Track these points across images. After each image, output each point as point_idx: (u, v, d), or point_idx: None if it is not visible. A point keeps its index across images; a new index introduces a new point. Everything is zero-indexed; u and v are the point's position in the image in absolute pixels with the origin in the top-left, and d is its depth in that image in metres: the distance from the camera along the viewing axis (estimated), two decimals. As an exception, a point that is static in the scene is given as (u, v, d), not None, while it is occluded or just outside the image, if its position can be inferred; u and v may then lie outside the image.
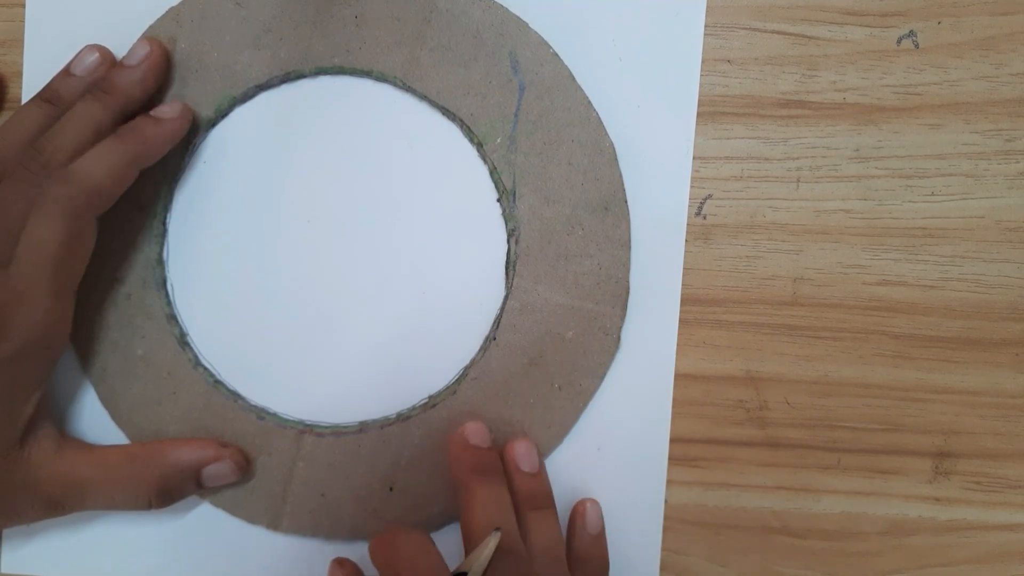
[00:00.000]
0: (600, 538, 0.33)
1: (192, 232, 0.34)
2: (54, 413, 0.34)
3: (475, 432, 0.32)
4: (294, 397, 0.34)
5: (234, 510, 0.34)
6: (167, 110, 0.32)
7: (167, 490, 0.32)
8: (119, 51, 0.33)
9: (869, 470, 0.34)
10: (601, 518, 0.33)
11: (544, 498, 0.32)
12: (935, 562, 0.34)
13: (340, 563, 0.32)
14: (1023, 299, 0.33)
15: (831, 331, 0.33)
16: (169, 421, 0.34)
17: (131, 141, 0.31)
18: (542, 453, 0.33)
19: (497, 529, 0.29)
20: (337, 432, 0.34)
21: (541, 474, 0.33)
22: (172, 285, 0.34)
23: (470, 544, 0.30)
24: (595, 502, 0.33)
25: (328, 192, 0.34)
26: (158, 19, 0.33)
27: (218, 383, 0.34)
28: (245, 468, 0.33)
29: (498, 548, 0.29)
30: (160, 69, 0.32)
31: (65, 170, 0.29)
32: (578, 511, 0.33)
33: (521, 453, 0.33)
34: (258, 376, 0.34)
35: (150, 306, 0.34)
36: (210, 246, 0.34)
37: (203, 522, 0.34)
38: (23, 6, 0.34)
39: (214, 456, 0.33)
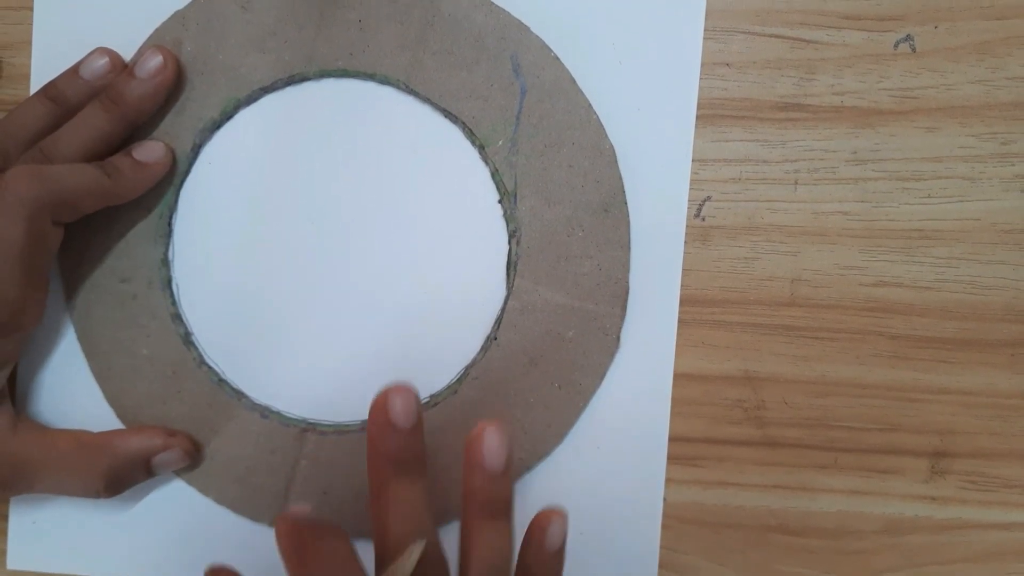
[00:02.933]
0: (558, 557, 0.28)
1: (197, 233, 0.34)
2: (44, 397, 0.34)
3: (399, 408, 0.26)
4: (297, 396, 0.34)
5: (238, 508, 0.34)
6: (151, 153, 0.33)
7: (116, 479, 0.33)
8: (126, 53, 0.33)
9: (866, 469, 0.34)
10: (564, 534, 0.28)
11: (502, 506, 0.27)
12: (931, 561, 0.34)
13: (397, 387, 0.26)
14: (1018, 300, 0.33)
15: (828, 332, 0.33)
16: (173, 419, 0.34)
17: (113, 178, 0.31)
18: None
19: (420, 540, 0.25)
20: (340, 431, 0.34)
21: (506, 476, 0.27)
22: (177, 285, 0.34)
23: (383, 552, 0.26)
24: (562, 515, 0.28)
25: (331, 193, 0.34)
26: (164, 22, 0.34)
27: (222, 381, 0.34)
28: (193, 454, 0.34)
29: (420, 561, 0.25)
30: (172, 84, 0.33)
31: (40, 168, 0.30)
32: (538, 524, 0.28)
33: (489, 447, 0.27)
34: (261, 375, 0.34)
35: (155, 306, 0.34)
36: (214, 247, 0.34)
37: (207, 520, 0.35)
38: (31, 9, 0.34)
39: (162, 445, 0.33)
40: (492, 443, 0.27)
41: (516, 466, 0.34)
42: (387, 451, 0.26)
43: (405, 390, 0.26)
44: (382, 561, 0.26)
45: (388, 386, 0.26)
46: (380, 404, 0.26)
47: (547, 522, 0.28)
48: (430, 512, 0.27)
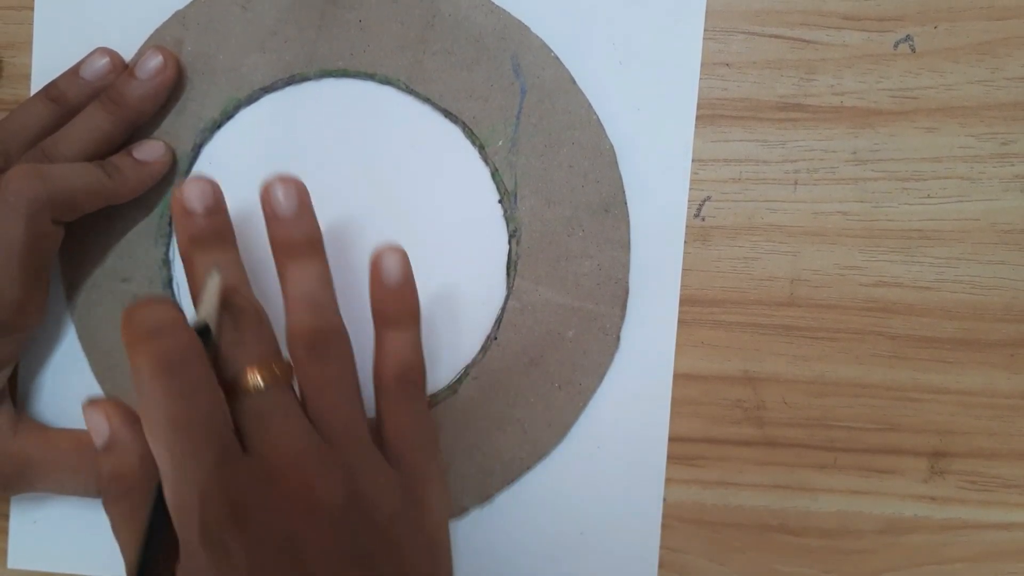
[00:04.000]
0: (404, 289, 0.29)
1: (197, 232, 0.34)
2: (43, 395, 0.34)
3: (193, 193, 0.29)
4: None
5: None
6: (151, 152, 0.33)
7: None
8: (126, 53, 0.33)
9: (865, 469, 0.34)
10: (402, 267, 0.29)
11: (305, 244, 0.29)
12: (930, 560, 0.34)
13: (94, 404, 0.28)
14: (1018, 301, 0.33)
15: (828, 332, 0.34)
16: (174, 419, 0.34)
17: (113, 177, 0.32)
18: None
19: (215, 271, 0.27)
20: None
21: (303, 216, 0.30)
22: (178, 285, 0.35)
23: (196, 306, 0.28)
24: (395, 249, 0.29)
25: (331, 193, 0.34)
26: (165, 22, 0.34)
27: (223, 381, 0.34)
28: None
29: (226, 303, 0.27)
30: (172, 84, 0.33)
31: (40, 167, 0.30)
32: (373, 261, 0.29)
33: (278, 196, 0.29)
34: (262, 375, 0.34)
35: (156, 305, 0.34)
36: (215, 246, 0.34)
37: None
38: (32, 8, 0.34)
39: None
40: (280, 191, 0.29)
41: (516, 466, 0.34)
42: (186, 232, 0.29)
43: (199, 180, 0.29)
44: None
45: (185, 181, 0.29)
46: (175, 195, 0.29)
47: (379, 257, 0.29)
48: (239, 272, 0.29)
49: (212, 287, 0.27)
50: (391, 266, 0.29)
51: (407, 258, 0.29)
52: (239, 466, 0.25)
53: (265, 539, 0.24)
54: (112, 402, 0.28)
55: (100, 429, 0.28)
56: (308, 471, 0.26)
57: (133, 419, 0.28)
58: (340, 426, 0.27)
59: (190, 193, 0.29)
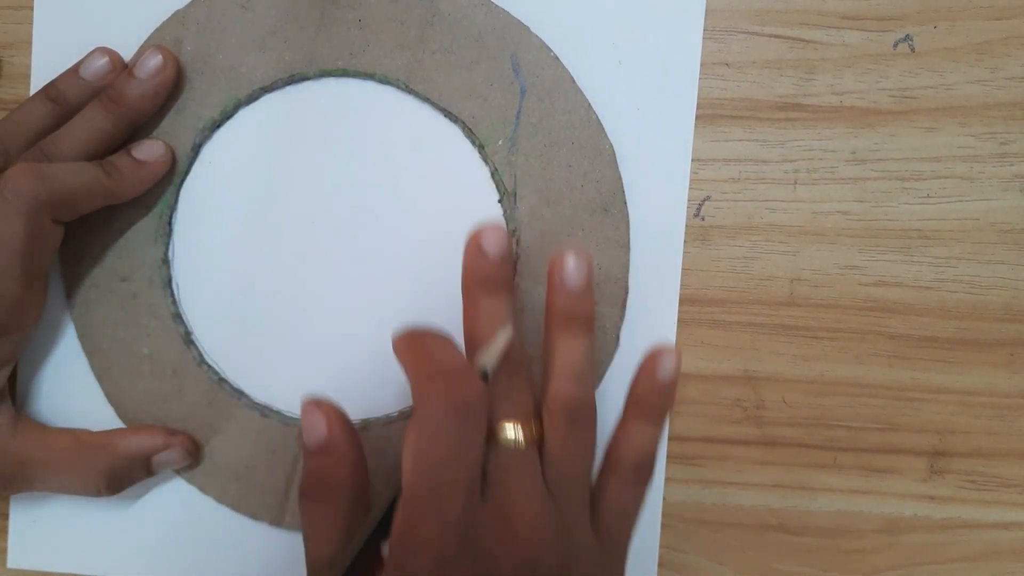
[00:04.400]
0: (669, 388, 0.30)
1: (197, 232, 0.34)
2: (45, 395, 0.34)
3: (491, 239, 0.30)
4: (297, 395, 0.34)
5: (238, 506, 0.34)
6: (150, 152, 0.33)
7: (116, 478, 0.33)
8: (126, 53, 0.33)
9: (865, 469, 0.34)
10: (676, 368, 0.30)
11: (582, 320, 0.30)
12: (930, 560, 0.34)
13: (316, 404, 0.30)
14: (1017, 300, 0.33)
15: (828, 331, 0.34)
16: (174, 418, 0.34)
17: (112, 177, 0.32)
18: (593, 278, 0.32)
19: (508, 326, 0.28)
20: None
21: (587, 293, 0.30)
22: (177, 284, 0.35)
23: (474, 350, 0.29)
24: (675, 352, 0.30)
25: (331, 193, 0.34)
26: (164, 21, 0.34)
27: (222, 381, 0.34)
28: (194, 453, 0.34)
29: (508, 357, 0.28)
30: (172, 84, 0.33)
31: (40, 167, 0.30)
32: (652, 355, 0.30)
33: (569, 269, 0.30)
34: (261, 374, 0.34)
35: (156, 305, 0.34)
36: (214, 246, 0.34)
37: (207, 518, 0.35)
38: (31, 8, 0.34)
39: (162, 444, 0.33)
40: (570, 265, 0.30)
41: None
42: (478, 273, 0.30)
43: (497, 227, 0.30)
44: (472, 359, 0.29)
45: (481, 223, 0.30)
46: (474, 237, 0.30)
47: (660, 353, 0.30)
48: (517, 325, 0.30)
49: (502, 339, 0.28)
50: (668, 363, 0.30)
51: (680, 356, 0.31)
52: (479, 512, 0.26)
53: None
54: (333, 406, 0.29)
55: (318, 429, 0.29)
56: (536, 534, 0.27)
57: (351, 428, 0.29)
58: (572, 500, 0.29)
59: (488, 237, 0.30)
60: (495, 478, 0.27)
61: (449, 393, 0.26)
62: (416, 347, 0.27)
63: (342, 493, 0.28)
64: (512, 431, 0.28)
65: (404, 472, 0.26)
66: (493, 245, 0.30)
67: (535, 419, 0.29)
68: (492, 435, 0.28)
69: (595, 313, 0.31)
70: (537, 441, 0.28)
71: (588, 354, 0.30)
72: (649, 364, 0.30)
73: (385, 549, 0.27)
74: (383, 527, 0.27)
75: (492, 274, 0.30)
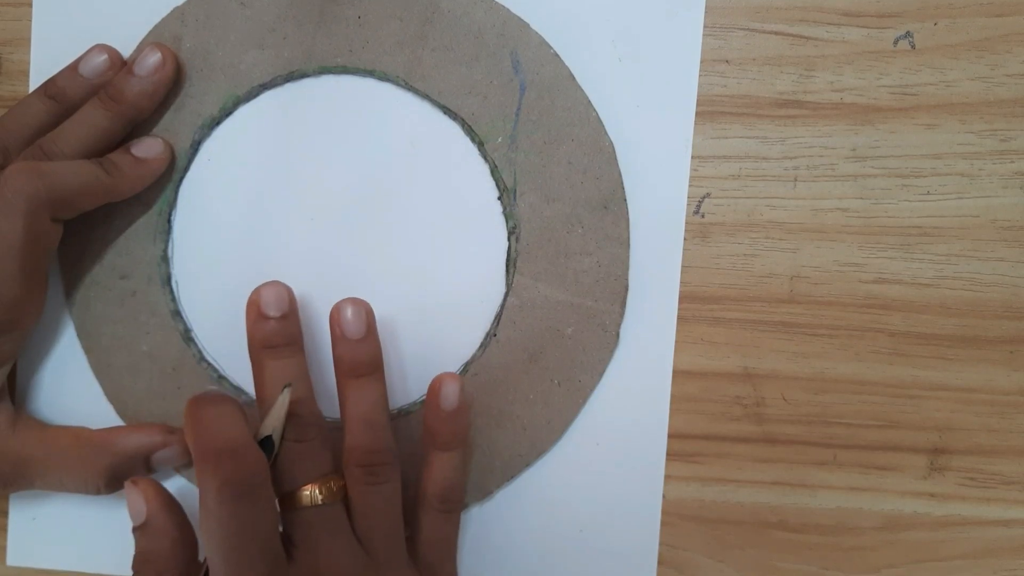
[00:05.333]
0: (457, 415, 0.31)
1: (196, 229, 0.34)
2: (45, 394, 0.34)
3: (269, 298, 0.31)
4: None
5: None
6: (149, 149, 0.33)
7: (116, 476, 0.33)
8: (124, 50, 0.33)
9: (865, 466, 0.34)
10: (458, 394, 0.31)
11: (368, 365, 0.31)
12: (929, 557, 0.34)
13: (134, 483, 0.30)
14: (1017, 297, 0.33)
15: (827, 328, 0.34)
16: (174, 416, 0.34)
17: (112, 175, 0.32)
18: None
19: (287, 385, 0.29)
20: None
21: (368, 339, 0.31)
22: (177, 282, 0.35)
23: (264, 414, 0.30)
24: (455, 378, 0.31)
25: (331, 190, 0.34)
26: (164, 18, 0.34)
27: (222, 378, 0.34)
28: None
29: (291, 414, 0.29)
30: (171, 81, 0.33)
31: (39, 165, 0.30)
32: (432, 387, 0.31)
33: (347, 318, 0.31)
34: (261, 372, 0.34)
35: (155, 302, 0.34)
36: (214, 243, 0.34)
37: (207, 516, 0.35)
38: (30, 5, 0.34)
39: (162, 442, 0.33)
40: (348, 314, 0.31)
41: (515, 462, 0.34)
42: (260, 336, 0.31)
43: (274, 284, 0.31)
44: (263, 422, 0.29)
45: (262, 285, 0.31)
46: (252, 300, 0.31)
47: (439, 384, 0.31)
48: (307, 382, 0.31)
49: (282, 402, 0.29)
50: (449, 393, 0.31)
51: (463, 385, 0.32)
52: (291, 573, 0.27)
53: None
54: (152, 484, 0.30)
55: (138, 509, 0.30)
56: None
57: (170, 503, 0.30)
58: (384, 546, 0.30)
59: (267, 298, 0.31)
60: (300, 540, 0.28)
61: (223, 474, 0.26)
62: (195, 421, 0.28)
63: (169, 568, 0.29)
64: (310, 494, 0.29)
65: (205, 548, 0.27)
66: (273, 306, 0.31)
67: (335, 475, 0.30)
68: (293, 500, 0.29)
69: (381, 359, 0.32)
70: (340, 495, 0.29)
71: (378, 400, 0.31)
72: (432, 396, 0.31)
73: None
74: None
75: (274, 335, 0.31)
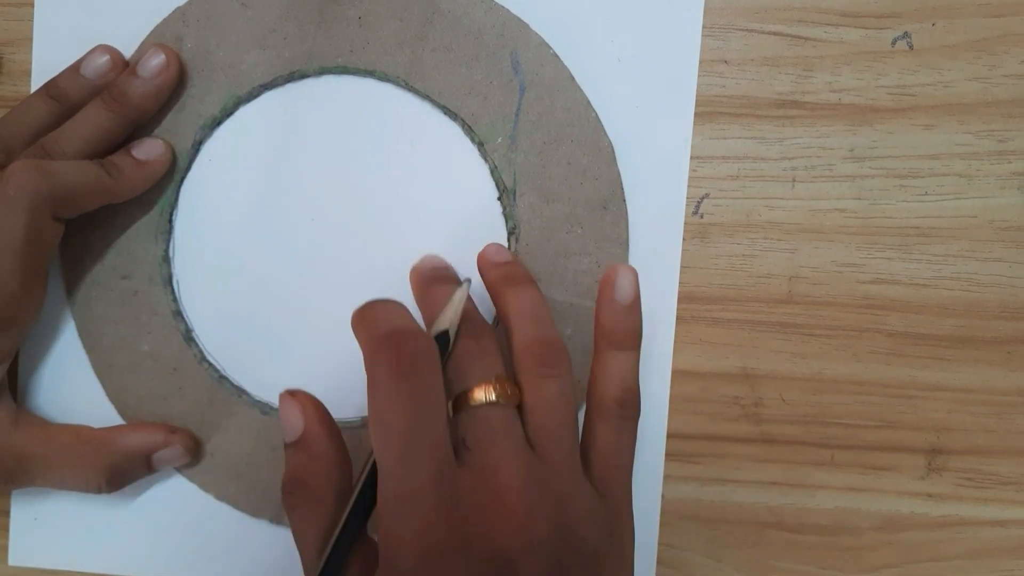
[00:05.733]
0: (634, 309, 0.29)
1: (197, 229, 0.34)
2: (48, 391, 0.34)
3: (428, 264, 0.32)
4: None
5: (238, 504, 0.34)
6: (150, 151, 0.33)
7: (117, 475, 0.33)
8: (126, 50, 0.33)
9: (862, 466, 0.34)
10: (635, 286, 0.29)
11: (521, 276, 0.30)
12: (927, 557, 0.34)
13: (292, 395, 0.28)
14: (1015, 298, 0.33)
15: (825, 329, 0.34)
16: (175, 416, 0.34)
17: (113, 176, 0.32)
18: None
19: (466, 280, 0.28)
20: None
21: (515, 260, 0.31)
22: (178, 282, 0.35)
23: (429, 319, 0.29)
24: (629, 269, 0.29)
25: (331, 190, 0.34)
26: (165, 19, 0.34)
27: (223, 378, 0.34)
28: (194, 451, 0.34)
29: (466, 314, 0.27)
30: (174, 83, 0.33)
31: (41, 163, 0.30)
32: (606, 280, 0.29)
33: (491, 250, 0.31)
34: (262, 372, 0.35)
35: (156, 302, 0.34)
36: (215, 243, 0.34)
37: (208, 515, 0.35)
38: (31, 5, 0.34)
39: (163, 442, 0.33)
40: (623, 281, 0.29)
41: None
42: (424, 272, 0.31)
43: (431, 258, 0.32)
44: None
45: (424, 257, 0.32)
46: (416, 266, 0.32)
47: (613, 275, 0.29)
48: (472, 303, 0.29)
49: (458, 298, 0.27)
50: (625, 285, 0.29)
51: (638, 279, 0.29)
52: (458, 479, 0.25)
53: (480, 558, 0.24)
54: (309, 397, 0.28)
55: (293, 423, 0.28)
56: (525, 496, 0.25)
57: (329, 421, 0.28)
58: (557, 447, 0.27)
59: (427, 263, 0.32)
60: (472, 441, 0.26)
61: (397, 354, 0.25)
62: (366, 317, 0.26)
63: (324, 491, 0.27)
64: (483, 393, 0.27)
65: (372, 441, 0.25)
66: (431, 266, 0.32)
67: (509, 382, 0.27)
68: (465, 400, 0.27)
69: (528, 272, 0.31)
70: (514, 399, 0.27)
71: (540, 299, 0.29)
72: (606, 290, 0.29)
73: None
74: (367, 506, 0.26)
75: (439, 270, 0.31)
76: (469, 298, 0.29)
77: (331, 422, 0.28)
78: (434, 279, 0.31)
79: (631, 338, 0.29)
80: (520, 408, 0.27)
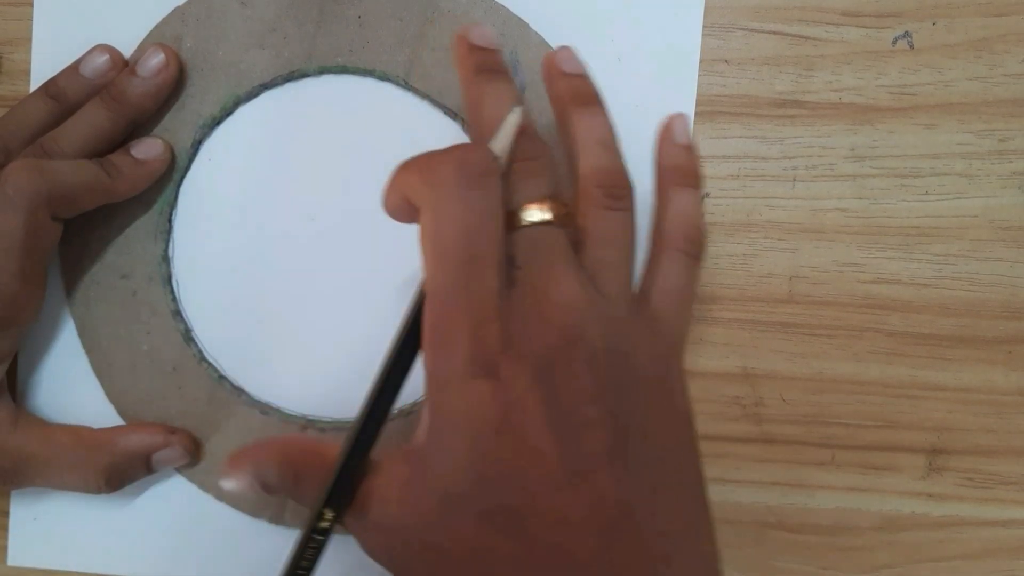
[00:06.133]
0: (690, 150, 0.30)
1: (197, 229, 0.34)
2: (48, 392, 0.34)
3: (479, 34, 0.29)
4: (297, 392, 0.34)
5: (238, 504, 0.34)
6: (149, 150, 0.33)
7: (116, 475, 0.33)
8: (125, 49, 0.33)
9: (863, 466, 0.34)
10: (688, 130, 0.30)
11: (592, 95, 0.29)
12: (927, 557, 0.34)
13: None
14: (1016, 297, 0.33)
15: (826, 329, 0.34)
16: (174, 416, 0.34)
17: (112, 175, 0.32)
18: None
19: (518, 107, 0.26)
20: (339, 427, 0.34)
21: (587, 77, 0.29)
22: (177, 281, 0.35)
23: (481, 134, 0.27)
24: (681, 115, 0.30)
25: (331, 190, 0.34)
26: (164, 18, 0.34)
27: (222, 378, 0.34)
28: (193, 451, 0.34)
29: (521, 133, 0.26)
30: (174, 82, 0.33)
31: (40, 163, 0.30)
32: (664, 124, 0.30)
33: (563, 56, 0.29)
34: (262, 371, 0.35)
35: (156, 302, 0.34)
36: (214, 243, 0.34)
37: (207, 515, 0.35)
38: (31, 5, 0.34)
39: (163, 442, 0.33)
40: (564, 53, 0.29)
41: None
42: (474, 62, 0.28)
43: (480, 25, 0.29)
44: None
45: (466, 26, 0.29)
46: (460, 37, 0.29)
47: (668, 121, 0.30)
48: (530, 117, 0.27)
49: (513, 119, 0.26)
50: (679, 126, 0.30)
51: (689, 121, 0.30)
52: (511, 293, 0.25)
53: (531, 367, 0.24)
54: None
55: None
56: (578, 314, 0.24)
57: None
58: (615, 280, 0.26)
59: (476, 32, 0.29)
60: (524, 260, 0.25)
61: (460, 162, 0.24)
62: (421, 154, 0.26)
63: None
64: (536, 212, 0.25)
65: (425, 266, 0.25)
66: (483, 39, 0.29)
67: (562, 201, 0.26)
68: (519, 218, 0.25)
69: (600, 92, 0.29)
70: (568, 220, 0.26)
71: (610, 125, 0.28)
72: (665, 132, 0.30)
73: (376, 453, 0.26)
74: (371, 431, 0.26)
75: (489, 61, 0.29)
76: (524, 111, 0.27)
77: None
78: (484, 69, 0.28)
79: (693, 175, 0.29)
80: (578, 239, 0.26)
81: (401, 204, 0.26)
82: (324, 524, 0.25)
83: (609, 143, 0.28)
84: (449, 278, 0.24)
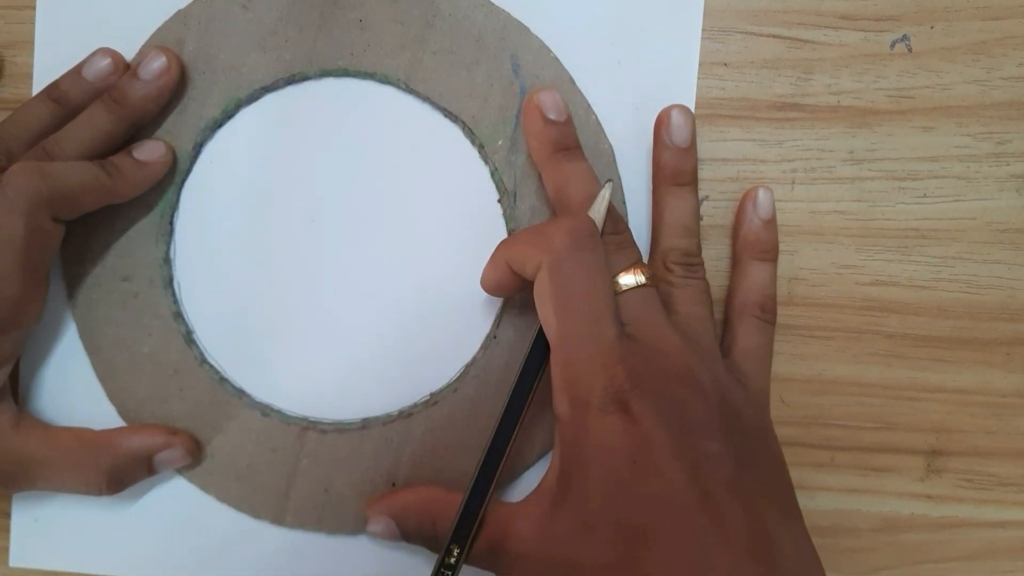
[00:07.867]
0: (771, 224, 0.32)
1: (198, 231, 0.35)
2: (49, 394, 0.34)
3: (551, 105, 0.31)
4: (298, 394, 0.34)
5: (239, 505, 0.34)
6: (151, 152, 0.33)
7: (118, 477, 0.33)
8: (127, 52, 0.34)
9: (862, 468, 0.34)
10: (772, 205, 0.33)
11: (689, 174, 0.32)
12: (927, 558, 0.34)
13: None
14: (1014, 299, 0.33)
15: (825, 330, 0.34)
16: (175, 417, 0.34)
17: (113, 177, 0.32)
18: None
19: (609, 181, 0.30)
20: (340, 428, 0.34)
21: (692, 150, 0.32)
22: (179, 283, 0.35)
23: (570, 210, 0.30)
24: (768, 189, 0.33)
25: (332, 192, 0.34)
26: (166, 21, 0.34)
27: (223, 380, 0.34)
28: (195, 453, 0.34)
29: (611, 212, 0.29)
30: (175, 85, 0.33)
31: (41, 165, 0.30)
32: (748, 195, 0.33)
33: (677, 123, 0.32)
34: (263, 373, 0.35)
35: (157, 304, 0.34)
36: (216, 245, 0.35)
37: (208, 517, 0.35)
38: (33, 7, 0.34)
39: (164, 443, 0.33)
40: (678, 120, 0.32)
41: (516, 463, 0.34)
42: (550, 139, 0.31)
43: (551, 90, 0.32)
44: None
45: (538, 91, 0.32)
46: (532, 105, 0.31)
47: (754, 193, 0.32)
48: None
49: (606, 193, 0.29)
50: (764, 202, 0.32)
51: (772, 195, 0.33)
52: (629, 343, 0.28)
53: (659, 401, 0.26)
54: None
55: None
56: (688, 360, 0.28)
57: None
58: (703, 335, 0.30)
59: (548, 103, 0.31)
60: (628, 319, 0.28)
61: (571, 229, 0.28)
62: (521, 231, 0.30)
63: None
64: (632, 277, 0.29)
65: (549, 318, 0.27)
66: (555, 111, 0.31)
67: (646, 265, 0.30)
68: (615, 286, 0.29)
69: (697, 167, 0.32)
70: (653, 283, 0.29)
71: (695, 210, 0.32)
72: (747, 205, 0.32)
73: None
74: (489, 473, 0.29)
75: (565, 137, 0.31)
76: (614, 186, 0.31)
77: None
78: (562, 147, 0.31)
79: (770, 250, 0.32)
80: (666, 301, 0.30)
81: (503, 277, 0.30)
82: (451, 560, 0.28)
83: (690, 226, 0.32)
84: (575, 327, 0.27)
